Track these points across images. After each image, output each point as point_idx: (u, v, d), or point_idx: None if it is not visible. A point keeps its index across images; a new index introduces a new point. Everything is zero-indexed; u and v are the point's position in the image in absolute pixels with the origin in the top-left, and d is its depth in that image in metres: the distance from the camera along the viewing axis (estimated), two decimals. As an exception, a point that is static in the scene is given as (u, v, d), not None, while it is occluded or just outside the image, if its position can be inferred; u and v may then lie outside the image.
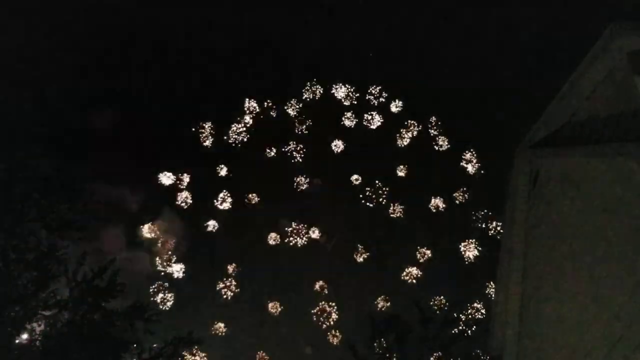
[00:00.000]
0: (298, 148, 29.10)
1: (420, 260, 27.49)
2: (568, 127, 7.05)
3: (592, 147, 6.50)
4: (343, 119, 29.33)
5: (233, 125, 29.33)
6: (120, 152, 27.65)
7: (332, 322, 26.92)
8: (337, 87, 29.41)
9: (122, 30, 28.20)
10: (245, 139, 29.40)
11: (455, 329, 24.69)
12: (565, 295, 7.44)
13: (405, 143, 28.90)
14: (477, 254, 27.25)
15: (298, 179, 28.71)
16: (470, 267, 27.21)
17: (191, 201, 28.57)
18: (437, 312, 25.70)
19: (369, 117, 29.16)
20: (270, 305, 27.08)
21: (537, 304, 8.34)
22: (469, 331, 25.28)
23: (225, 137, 29.32)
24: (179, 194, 28.57)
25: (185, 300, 27.25)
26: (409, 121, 29.04)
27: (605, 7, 21.36)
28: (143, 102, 28.67)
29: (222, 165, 29.05)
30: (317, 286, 27.42)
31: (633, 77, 5.57)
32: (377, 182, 28.42)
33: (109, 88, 28.26)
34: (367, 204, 28.41)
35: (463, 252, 27.47)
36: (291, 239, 28.12)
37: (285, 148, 29.14)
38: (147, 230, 28.36)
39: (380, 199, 28.37)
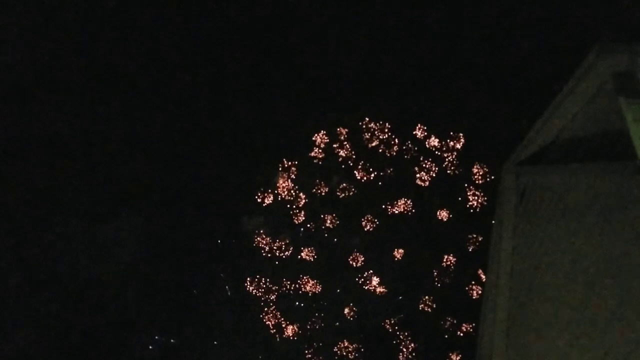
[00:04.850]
0: None
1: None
2: (555, 145, 7.15)
3: (578, 165, 6.61)
4: None
5: None
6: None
7: None
8: None
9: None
10: None
11: (444, 342, 24.78)
12: (552, 311, 7.49)
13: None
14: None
15: None
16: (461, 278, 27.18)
17: None
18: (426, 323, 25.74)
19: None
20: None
21: (525, 318, 8.39)
22: (458, 344, 25.33)
23: None
24: None
25: (179, 309, 26.83)
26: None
27: (595, 26, 21.68)
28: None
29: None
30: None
31: (618, 98, 5.66)
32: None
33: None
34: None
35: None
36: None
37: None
38: None
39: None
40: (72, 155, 26.06)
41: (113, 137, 27.53)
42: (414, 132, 28.32)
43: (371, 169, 28.61)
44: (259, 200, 28.14)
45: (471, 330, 25.15)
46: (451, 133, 27.81)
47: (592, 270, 6.33)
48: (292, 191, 28.50)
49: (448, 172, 28.45)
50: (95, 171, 26.55)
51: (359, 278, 26.77)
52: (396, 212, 28.05)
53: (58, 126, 26.32)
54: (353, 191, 28.27)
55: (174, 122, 29.00)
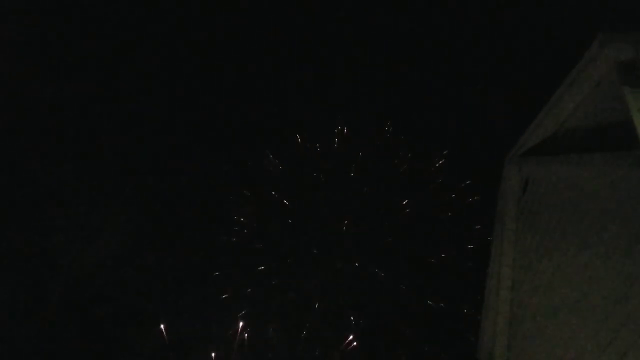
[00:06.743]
0: None
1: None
2: (557, 136, 7.11)
3: (581, 155, 6.56)
4: None
5: None
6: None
7: None
8: None
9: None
10: None
11: (446, 334, 24.80)
12: (553, 302, 7.47)
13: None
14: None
15: None
16: (463, 272, 27.14)
17: None
18: (428, 316, 25.75)
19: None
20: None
21: (527, 310, 8.38)
22: (460, 335, 25.35)
23: None
24: None
25: (182, 304, 26.81)
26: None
27: (596, 17, 21.59)
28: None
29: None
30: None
31: (622, 88, 5.61)
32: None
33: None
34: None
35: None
36: None
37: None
38: None
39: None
40: (71, 149, 26.14)
41: (110, 133, 27.65)
42: (412, 127, 28.28)
43: (367, 165, 28.55)
44: (255, 199, 28.25)
45: (473, 323, 25.17)
46: (452, 125, 27.77)
47: (595, 261, 6.30)
48: (288, 189, 28.53)
49: (449, 164, 28.42)
50: (94, 164, 26.61)
51: (359, 277, 26.78)
52: (396, 208, 28.04)
53: (57, 119, 26.39)
54: (350, 188, 28.23)
55: (170, 117, 29.14)
